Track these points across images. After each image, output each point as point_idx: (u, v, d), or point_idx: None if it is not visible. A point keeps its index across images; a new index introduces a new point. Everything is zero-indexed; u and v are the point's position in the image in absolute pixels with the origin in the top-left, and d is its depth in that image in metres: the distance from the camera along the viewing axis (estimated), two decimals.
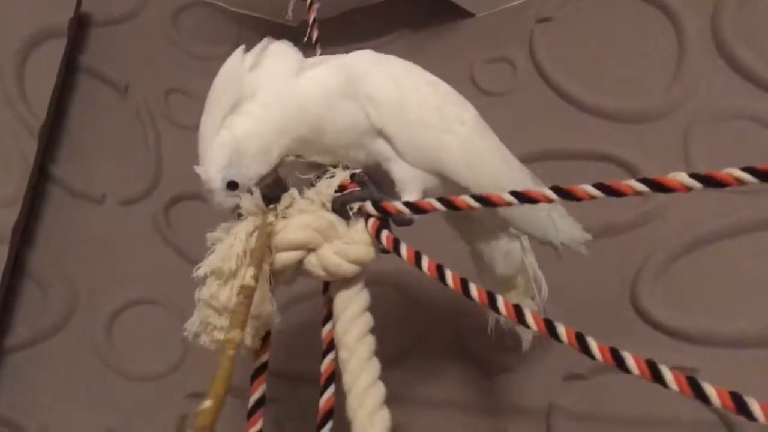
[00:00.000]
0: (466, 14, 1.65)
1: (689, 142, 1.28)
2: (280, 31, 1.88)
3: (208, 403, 0.54)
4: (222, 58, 1.79)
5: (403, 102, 0.84)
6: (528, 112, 1.50)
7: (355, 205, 0.83)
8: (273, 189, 0.85)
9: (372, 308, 0.85)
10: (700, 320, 1.15)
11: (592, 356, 0.60)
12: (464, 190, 0.86)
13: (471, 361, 1.31)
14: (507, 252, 0.99)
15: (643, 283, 1.21)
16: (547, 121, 1.47)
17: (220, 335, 0.76)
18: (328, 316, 0.88)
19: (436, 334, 1.34)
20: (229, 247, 0.78)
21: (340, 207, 0.84)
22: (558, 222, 0.98)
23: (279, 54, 0.85)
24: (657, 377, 0.56)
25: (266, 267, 0.78)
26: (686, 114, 1.30)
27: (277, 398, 1.49)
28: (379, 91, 0.83)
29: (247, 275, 0.71)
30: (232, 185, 0.81)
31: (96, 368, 1.42)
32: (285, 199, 0.84)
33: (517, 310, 0.67)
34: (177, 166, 1.64)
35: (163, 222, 1.57)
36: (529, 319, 0.65)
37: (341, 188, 0.85)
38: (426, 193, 0.86)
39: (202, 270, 0.79)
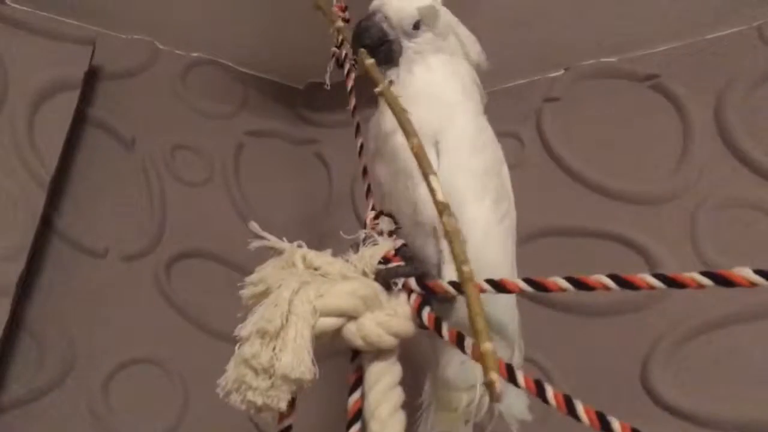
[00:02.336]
0: None
1: (695, 226, 1.32)
2: (285, 92, 1.93)
3: None
4: (227, 117, 1.82)
5: (475, 145, 0.92)
6: (535, 187, 1.54)
7: (400, 281, 0.84)
8: None
9: None
10: (707, 404, 1.18)
11: None
12: None
13: None
14: (462, 361, 0.94)
15: (654, 363, 1.24)
16: (554, 198, 1.50)
17: (254, 397, 0.73)
18: (356, 385, 0.87)
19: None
20: (274, 305, 0.77)
21: (383, 280, 0.85)
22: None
23: None
24: None
25: (309, 331, 0.77)
26: (691, 199, 1.35)
27: None
28: (463, 123, 0.92)
29: None
30: None
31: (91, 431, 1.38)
32: None
33: (567, 400, 0.66)
34: (180, 223, 1.64)
35: (164, 279, 1.56)
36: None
37: (385, 259, 0.86)
38: None
39: (246, 330, 0.77)
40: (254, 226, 0.87)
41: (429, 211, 0.87)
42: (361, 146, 1.11)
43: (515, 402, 0.95)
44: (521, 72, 1.66)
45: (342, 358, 0.89)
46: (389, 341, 0.82)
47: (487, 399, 0.95)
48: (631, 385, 1.24)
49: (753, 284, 0.60)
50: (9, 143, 1.41)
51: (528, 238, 1.49)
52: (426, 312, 0.82)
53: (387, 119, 0.92)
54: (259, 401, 0.73)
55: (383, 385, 0.82)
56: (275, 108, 1.91)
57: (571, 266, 1.39)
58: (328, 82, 1.11)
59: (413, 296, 0.84)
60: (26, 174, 1.40)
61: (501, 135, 1.61)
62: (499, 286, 0.77)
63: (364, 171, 1.10)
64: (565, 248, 1.43)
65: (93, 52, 1.59)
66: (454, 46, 0.98)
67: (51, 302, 1.42)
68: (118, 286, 1.51)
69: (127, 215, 1.59)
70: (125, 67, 1.72)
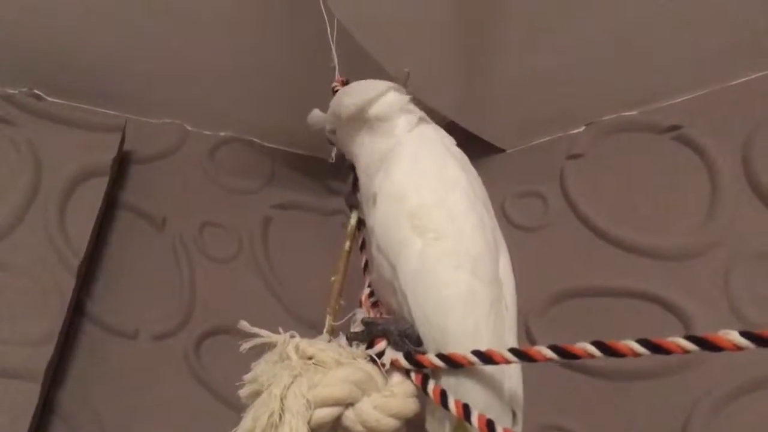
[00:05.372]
0: (496, 150, 1.68)
1: (729, 280, 1.25)
2: (313, 165, 1.95)
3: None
4: (255, 191, 1.85)
5: (411, 184, 0.85)
6: (560, 247, 1.50)
7: (387, 359, 0.82)
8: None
9: None
10: None
11: None
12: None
13: None
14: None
15: (694, 429, 1.16)
16: (580, 256, 1.46)
17: None
18: None
19: None
20: (264, 405, 0.76)
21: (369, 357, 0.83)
22: None
23: None
24: None
25: (305, 427, 0.75)
26: (723, 252, 1.28)
27: None
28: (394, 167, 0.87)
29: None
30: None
31: None
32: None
33: None
34: (210, 300, 1.65)
35: (193, 357, 1.56)
36: None
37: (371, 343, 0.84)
38: None
39: None
40: (243, 324, 0.86)
41: (386, 272, 0.85)
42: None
43: None
44: (542, 130, 1.64)
45: None
46: (389, 424, 0.79)
47: None
48: None
49: (738, 348, 0.55)
50: (41, 231, 1.46)
51: (555, 299, 1.45)
52: (431, 386, 0.79)
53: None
54: None
55: None
56: (303, 181, 1.93)
57: (602, 328, 1.36)
58: (332, 157, 1.13)
59: (413, 373, 0.82)
60: (56, 260, 1.44)
61: (525, 195, 1.61)
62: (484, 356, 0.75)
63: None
64: (595, 309, 1.38)
65: (123, 138, 1.65)
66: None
67: (82, 386, 1.44)
68: (148, 367, 1.52)
69: (157, 295, 1.61)
70: (155, 150, 1.79)
